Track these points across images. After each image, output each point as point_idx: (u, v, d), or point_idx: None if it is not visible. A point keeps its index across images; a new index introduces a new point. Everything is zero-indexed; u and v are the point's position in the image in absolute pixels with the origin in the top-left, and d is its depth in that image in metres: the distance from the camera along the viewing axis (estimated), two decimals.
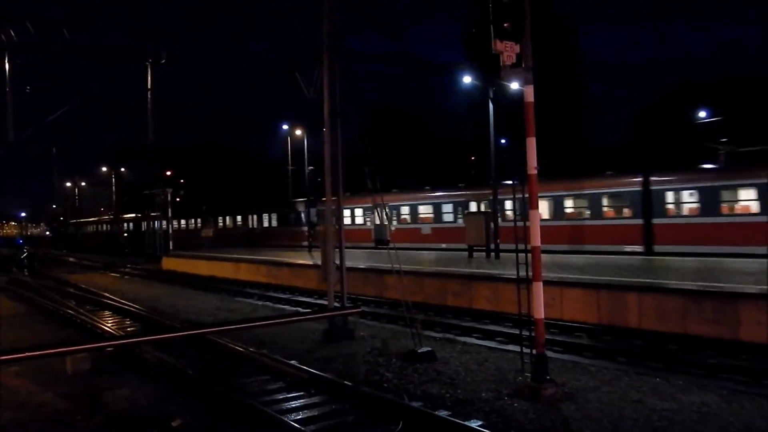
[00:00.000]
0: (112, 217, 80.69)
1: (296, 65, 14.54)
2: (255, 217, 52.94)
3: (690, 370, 11.83)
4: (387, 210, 34.26)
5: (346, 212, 39.59)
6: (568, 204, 29.23)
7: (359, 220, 40.95)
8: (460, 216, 34.04)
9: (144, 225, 64.60)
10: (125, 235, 72.68)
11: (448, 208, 35.54)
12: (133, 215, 72.35)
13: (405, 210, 38.37)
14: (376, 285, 22.13)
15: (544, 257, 10.47)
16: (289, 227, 47.76)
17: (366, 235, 38.41)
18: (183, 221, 64.71)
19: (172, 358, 11.63)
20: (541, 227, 9.59)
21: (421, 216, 37.10)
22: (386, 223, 28.78)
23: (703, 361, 12.28)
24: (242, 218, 55.37)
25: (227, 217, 58.42)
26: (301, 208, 46.47)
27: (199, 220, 62.88)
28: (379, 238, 35.93)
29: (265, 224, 51.34)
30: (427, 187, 40.58)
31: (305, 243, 41.30)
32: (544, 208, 27.91)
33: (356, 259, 25.44)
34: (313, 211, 43.53)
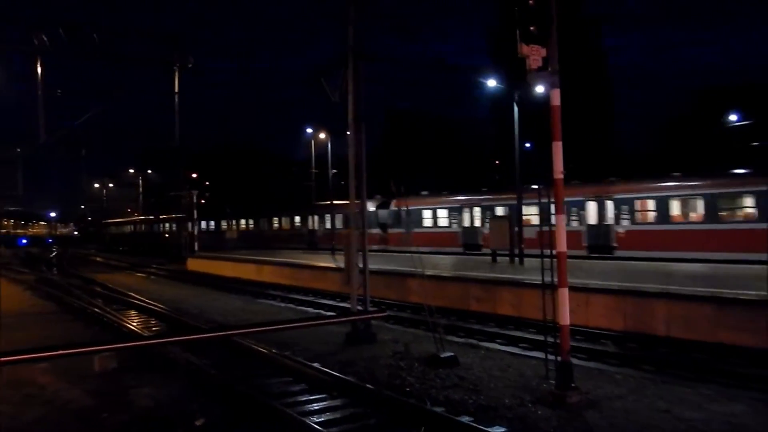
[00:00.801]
0: (152, 216, 76.53)
1: (321, 69, 14.61)
2: (316, 218, 49.25)
3: (718, 379, 11.64)
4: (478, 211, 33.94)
5: (427, 213, 38.58)
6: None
7: (443, 222, 37.79)
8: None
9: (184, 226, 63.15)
10: (167, 235, 68.66)
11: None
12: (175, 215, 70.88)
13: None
14: (399, 288, 22.08)
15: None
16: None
17: (451, 239, 36.08)
18: (243, 221, 61.33)
19: (196, 357, 11.73)
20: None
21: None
22: (478, 225, 27.48)
23: (733, 370, 12.07)
24: (301, 219, 51.99)
25: (281, 218, 55.77)
26: (371, 207, 41.81)
27: (249, 221, 59.49)
28: (470, 242, 34.00)
29: (327, 225, 46.99)
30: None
31: (375, 246, 37.09)
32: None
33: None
34: (383, 212, 41.11)
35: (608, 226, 28.58)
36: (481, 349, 13.35)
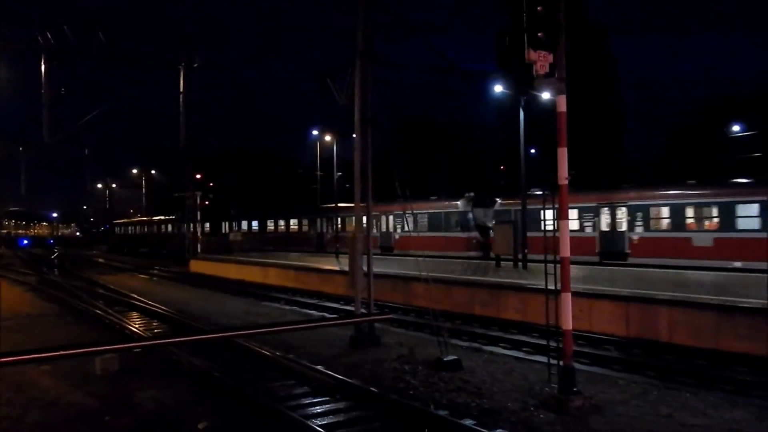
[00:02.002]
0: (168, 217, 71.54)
1: (328, 71, 14.65)
2: (390, 218, 41.69)
3: (721, 386, 11.62)
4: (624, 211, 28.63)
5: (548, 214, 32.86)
6: None
7: (574, 225, 30.14)
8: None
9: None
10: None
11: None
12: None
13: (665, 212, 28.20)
14: (404, 292, 22.09)
15: None
16: (447, 231, 37.23)
17: (587, 245, 29.50)
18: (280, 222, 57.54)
19: (200, 360, 11.73)
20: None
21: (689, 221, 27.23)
22: (623, 229, 25.97)
23: (735, 377, 12.05)
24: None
25: (288, 220, 53.76)
26: (462, 207, 36.97)
27: (293, 221, 53.74)
28: (611, 250, 28.43)
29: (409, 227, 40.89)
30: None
31: (472, 252, 34.22)
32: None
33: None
34: (481, 212, 35.94)
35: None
36: (485, 353, 13.38)
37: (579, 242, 27.25)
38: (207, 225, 64.98)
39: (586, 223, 30.59)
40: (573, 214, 29.37)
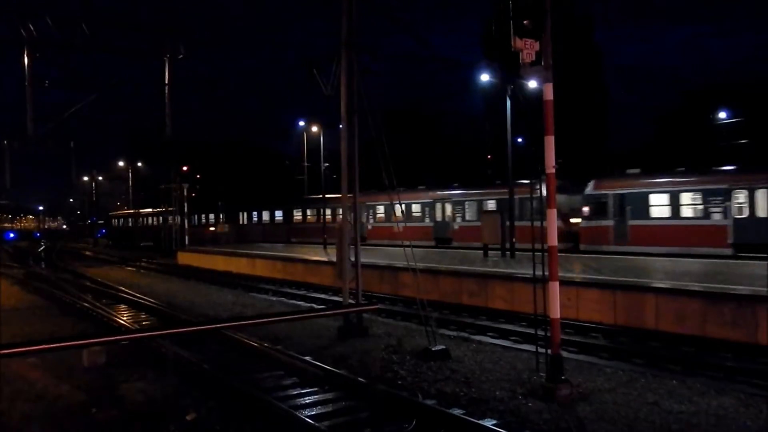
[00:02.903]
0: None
1: (314, 62, 14.56)
2: (446, 205, 38.31)
3: (707, 372, 11.71)
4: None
5: (659, 199, 27.76)
6: None
7: (687, 213, 27.05)
8: None
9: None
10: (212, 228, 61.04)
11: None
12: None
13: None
14: (392, 282, 22.11)
15: None
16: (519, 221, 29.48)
17: (707, 235, 25.85)
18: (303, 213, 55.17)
19: (187, 352, 11.69)
20: None
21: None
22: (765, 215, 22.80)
23: (721, 363, 12.14)
24: (426, 208, 39.46)
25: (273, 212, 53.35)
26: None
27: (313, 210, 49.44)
28: (755, 241, 23.89)
29: (468, 217, 36.89)
30: None
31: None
32: None
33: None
34: (562, 197, 27.64)
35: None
36: (473, 342, 13.40)
37: (705, 231, 25.46)
38: (203, 217, 64.76)
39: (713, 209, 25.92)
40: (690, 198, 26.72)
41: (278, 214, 54.66)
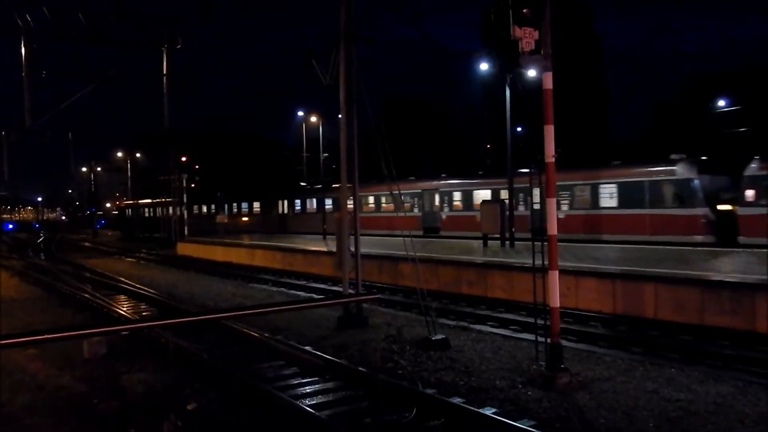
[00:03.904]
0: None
1: (313, 52, 14.53)
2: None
3: (706, 360, 11.74)
4: None
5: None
6: None
7: None
8: None
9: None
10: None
11: None
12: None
13: None
14: (391, 273, 22.13)
15: None
16: (654, 207, 26.73)
17: None
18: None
19: (188, 343, 11.71)
20: None
21: None
22: None
23: (720, 352, 12.18)
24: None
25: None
26: (682, 172, 26.10)
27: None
28: None
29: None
30: None
31: (698, 237, 24.56)
32: None
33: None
34: (709, 179, 25.83)
35: None
36: (473, 331, 13.43)
37: None
38: (204, 208, 64.61)
39: None
40: None
41: (288, 204, 54.27)
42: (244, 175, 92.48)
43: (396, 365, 10.47)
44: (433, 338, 11.56)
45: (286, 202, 52.65)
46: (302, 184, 53.67)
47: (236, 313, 11.95)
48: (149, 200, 71.23)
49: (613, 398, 8.51)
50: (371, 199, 41.40)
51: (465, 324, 15.08)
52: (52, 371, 10.40)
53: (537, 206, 11.34)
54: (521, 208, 29.44)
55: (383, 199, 39.75)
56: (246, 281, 25.84)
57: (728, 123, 47.17)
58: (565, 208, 29.42)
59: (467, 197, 35.75)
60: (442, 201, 37.76)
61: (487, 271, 18.94)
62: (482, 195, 33.46)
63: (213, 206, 62.64)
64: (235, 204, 60.79)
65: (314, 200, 48.12)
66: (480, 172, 40.39)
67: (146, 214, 71.09)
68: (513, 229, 25.67)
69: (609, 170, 29.21)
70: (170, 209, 53.51)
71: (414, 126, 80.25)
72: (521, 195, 29.31)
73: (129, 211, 77.13)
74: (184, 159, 67.60)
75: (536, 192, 10.91)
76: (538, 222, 11.50)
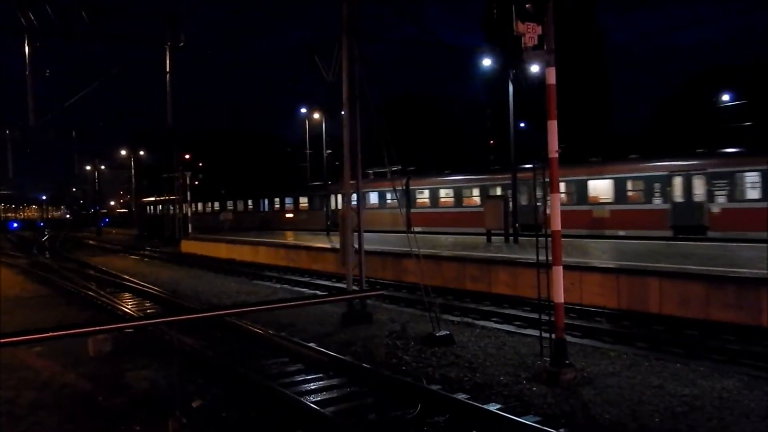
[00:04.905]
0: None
1: (315, 48, 14.51)
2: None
3: (711, 355, 11.73)
4: None
5: None
6: None
7: None
8: None
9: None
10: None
11: None
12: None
13: None
14: (395, 269, 22.13)
15: None
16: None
17: None
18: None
19: (192, 339, 11.73)
20: None
21: None
22: None
23: (725, 346, 12.16)
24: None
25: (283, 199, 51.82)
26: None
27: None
28: None
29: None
30: None
31: None
32: None
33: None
34: None
35: None
36: (477, 327, 13.42)
37: None
38: (210, 205, 64.71)
39: None
40: None
41: (287, 201, 54.15)
42: (247, 172, 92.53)
43: (400, 361, 10.47)
44: (437, 334, 11.56)
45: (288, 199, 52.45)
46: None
47: (240, 310, 11.89)
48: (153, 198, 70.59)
49: (618, 393, 8.50)
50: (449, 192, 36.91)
51: (469, 320, 15.10)
52: (58, 368, 10.43)
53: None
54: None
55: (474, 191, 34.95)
56: (250, 278, 25.85)
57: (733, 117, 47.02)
58: (715, 202, 24.83)
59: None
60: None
61: (491, 266, 18.90)
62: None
63: (216, 203, 62.74)
64: (240, 201, 60.70)
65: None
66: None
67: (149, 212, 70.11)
68: (516, 225, 25.71)
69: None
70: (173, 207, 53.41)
71: (416, 121, 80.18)
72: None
73: (151, 208, 72.18)
74: (187, 156, 67.70)
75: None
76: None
